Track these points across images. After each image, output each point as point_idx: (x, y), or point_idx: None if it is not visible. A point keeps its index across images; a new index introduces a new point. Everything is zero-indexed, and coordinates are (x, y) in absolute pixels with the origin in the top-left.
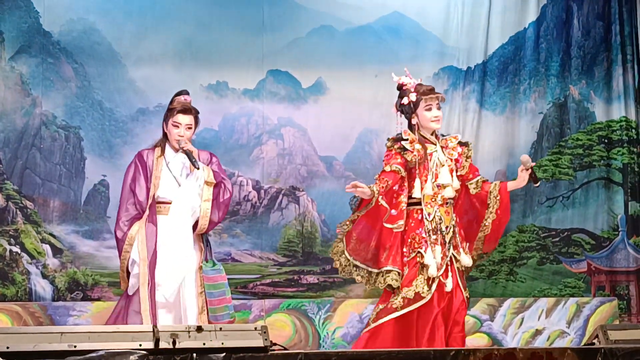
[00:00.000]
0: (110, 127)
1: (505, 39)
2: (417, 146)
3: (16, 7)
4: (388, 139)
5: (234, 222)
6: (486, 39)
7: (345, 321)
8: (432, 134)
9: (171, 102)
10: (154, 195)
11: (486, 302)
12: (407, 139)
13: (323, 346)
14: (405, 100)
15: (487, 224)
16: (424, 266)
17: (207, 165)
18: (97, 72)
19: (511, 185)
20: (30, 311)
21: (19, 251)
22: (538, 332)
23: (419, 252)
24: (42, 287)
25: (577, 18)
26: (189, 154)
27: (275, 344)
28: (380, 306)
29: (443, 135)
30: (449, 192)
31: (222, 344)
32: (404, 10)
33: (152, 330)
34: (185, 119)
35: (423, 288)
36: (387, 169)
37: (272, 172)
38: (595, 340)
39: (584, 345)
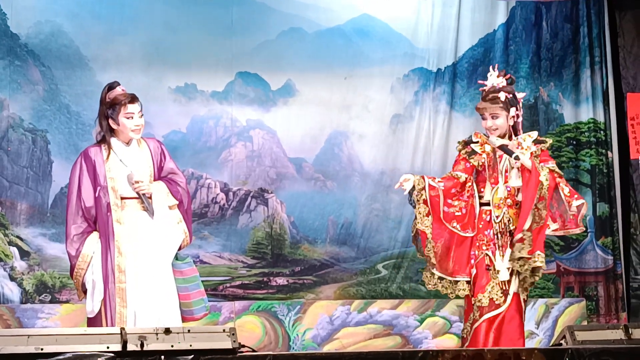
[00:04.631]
0: (77, 131)
1: (475, 41)
2: (487, 148)
3: None
4: (458, 142)
5: (202, 224)
6: (456, 40)
7: (315, 323)
8: (506, 137)
9: (107, 97)
10: (108, 204)
11: (455, 303)
12: (477, 142)
13: (293, 348)
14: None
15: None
16: (494, 271)
17: (160, 158)
18: (65, 75)
19: None
20: None
21: None
22: None
23: (487, 254)
24: (10, 289)
25: (546, 20)
26: (145, 200)
27: (244, 346)
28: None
29: (516, 135)
30: (521, 196)
31: (191, 345)
32: (374, 12)
33: (119, 332)
34: (136, 107)
35: (497, 294)
36: (448, 173)
37: (241, 175)
38: (562, 341)
39: (552, 345)
